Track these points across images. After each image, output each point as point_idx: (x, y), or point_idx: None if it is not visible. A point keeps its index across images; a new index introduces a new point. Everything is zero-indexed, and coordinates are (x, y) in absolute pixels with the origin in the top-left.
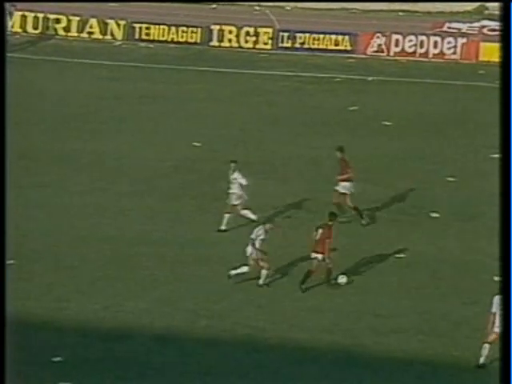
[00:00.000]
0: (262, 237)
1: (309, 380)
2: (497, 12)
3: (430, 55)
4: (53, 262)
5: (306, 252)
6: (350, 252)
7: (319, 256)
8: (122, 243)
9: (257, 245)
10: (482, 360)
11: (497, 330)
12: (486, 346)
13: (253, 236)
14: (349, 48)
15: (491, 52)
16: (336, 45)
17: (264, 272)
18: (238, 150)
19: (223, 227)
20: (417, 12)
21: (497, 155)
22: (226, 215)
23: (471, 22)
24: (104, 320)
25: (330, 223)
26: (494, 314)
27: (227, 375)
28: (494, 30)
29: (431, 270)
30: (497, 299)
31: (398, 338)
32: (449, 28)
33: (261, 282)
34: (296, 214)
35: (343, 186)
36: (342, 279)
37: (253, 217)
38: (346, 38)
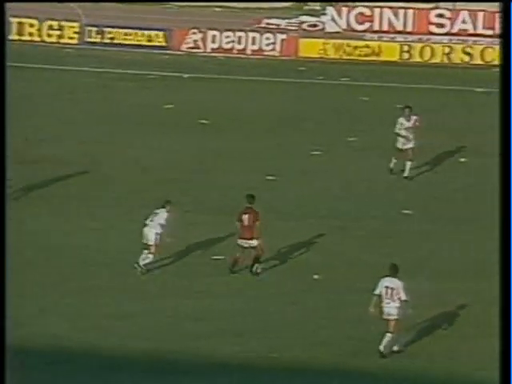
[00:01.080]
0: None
1: None
2: (317, 7)
3: (249, 52)
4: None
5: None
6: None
7: (253, 242)
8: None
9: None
10: (381, 348)
11: (392, 317)
12: (388, 334)
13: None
14: (163, 44)
15: (311, 48)
16: (149, 41)
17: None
18: (35, 151)
19: None
20: (234, 8)
21: (317, 152)
22: None
23: (290, 18)
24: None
25: (251, 206)
26: (379, 296)
27: None
28: (313, 26)
29: None
30: (382, 282)
31: (217, 342)
32: (267, 24)
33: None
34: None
35: None
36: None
37: None
38: (160, 33)
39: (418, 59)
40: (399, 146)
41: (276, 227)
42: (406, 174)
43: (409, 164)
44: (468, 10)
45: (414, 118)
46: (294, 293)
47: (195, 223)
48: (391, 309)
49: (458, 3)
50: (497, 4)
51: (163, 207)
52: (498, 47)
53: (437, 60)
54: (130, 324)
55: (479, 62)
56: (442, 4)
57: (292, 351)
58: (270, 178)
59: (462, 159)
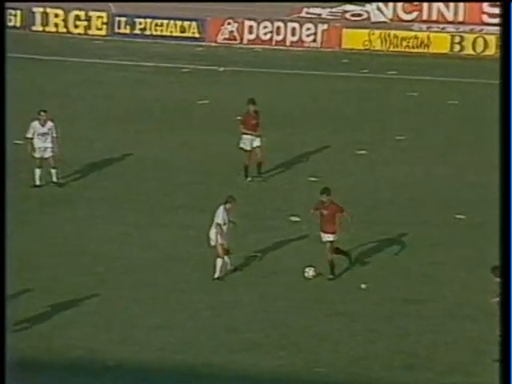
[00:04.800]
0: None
1: None
2: None
3: (288, 43)
4: None
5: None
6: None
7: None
8: None
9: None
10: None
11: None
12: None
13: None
14: (197, 35)
15: (355, 39)
16: (182, 31)
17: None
18: (67, 151)
19: None
20: None
21: (363, 152)
22: None
23: (332, 7)
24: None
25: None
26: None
27: None
28: (358, 15)
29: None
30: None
31: (253, 355)
32: (308, 13)
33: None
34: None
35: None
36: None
37: None
38: (194, 24)
39: (470, 51)
40: None
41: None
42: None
43: None
44: None
45: None
46: (340, 303)
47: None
48: None
49: None
50: None
51: (226, 203)
52: None
53: (491, 52)
54: (166, 336)
55: None
56: None
57: (338, 365)
58: (313, 179)
59: None
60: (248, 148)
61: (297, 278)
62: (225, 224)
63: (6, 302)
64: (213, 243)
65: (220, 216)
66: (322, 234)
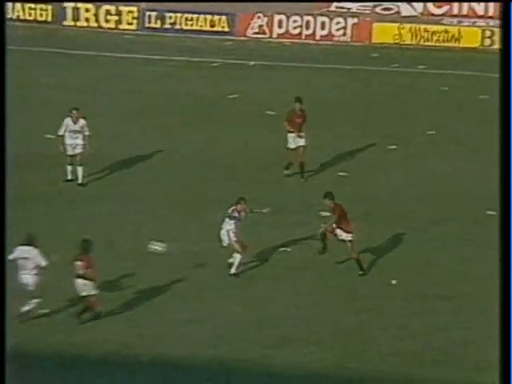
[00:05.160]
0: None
1: None
2: None
3: (318, 37)
4: None
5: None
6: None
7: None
8: None
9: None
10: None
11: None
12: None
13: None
14: (227, 29)
15: (385, 33)
16: (212, 26)
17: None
18: (97, 146)
19: None
20: None
21: (394, 146)
22: None
23: (362, 1)
24: None
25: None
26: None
27: None
28: (387, 9)
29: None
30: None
31: (284, 351)
32: (337, 7)
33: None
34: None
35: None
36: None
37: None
38: (223, 18)
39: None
40: None
41: None
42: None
43: None
44: None
45: None
46: (370, 298)
47: (261, 222)
48: None
49: None
50: None
51: (237, 203)
52: None
53: None
54: (198, 330)
55: None
56: None
57: (368, 361)
58: (342, 174)
59: None
60: (292, 146)
61: (328, 273)
62: (235, 225)
63: (5, 301)
64: (225, 244)
65: (229, 220)
66: (340, 232)
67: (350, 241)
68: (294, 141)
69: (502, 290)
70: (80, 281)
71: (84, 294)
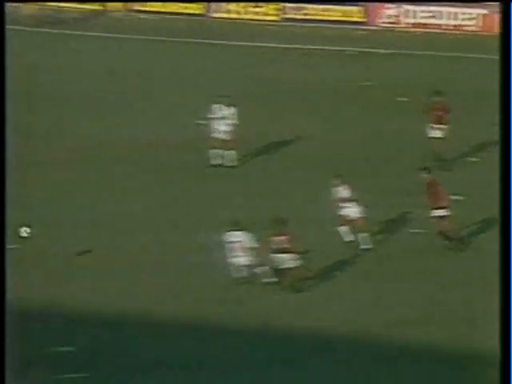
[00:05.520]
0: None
1: (320, 370)
2: None
3: (447, 27)
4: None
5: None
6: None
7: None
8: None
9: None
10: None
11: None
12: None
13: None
14: (359, 19)
15: None
16: (344, 16)
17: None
18: (242, 132)
19: None
20: None
21: None
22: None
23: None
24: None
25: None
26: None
27: (237, 366)
28: None
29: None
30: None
31: (408, 331)
32: None
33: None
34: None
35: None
36: None
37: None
38: (355, 9)
39: None
40: None
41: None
42: None
43: None
44: None
45: None
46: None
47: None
48: None
49: None
50: None
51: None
52: None
53: None
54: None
55: None
56: None
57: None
58: (473, 159)
59: None
60: (432, 136)
61: (453, 254)
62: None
63: (5, 301)
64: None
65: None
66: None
67: (442, 216)
68: (433, 132)
69: (501, 291)
70: (284, 255)
71: (291, 266)
